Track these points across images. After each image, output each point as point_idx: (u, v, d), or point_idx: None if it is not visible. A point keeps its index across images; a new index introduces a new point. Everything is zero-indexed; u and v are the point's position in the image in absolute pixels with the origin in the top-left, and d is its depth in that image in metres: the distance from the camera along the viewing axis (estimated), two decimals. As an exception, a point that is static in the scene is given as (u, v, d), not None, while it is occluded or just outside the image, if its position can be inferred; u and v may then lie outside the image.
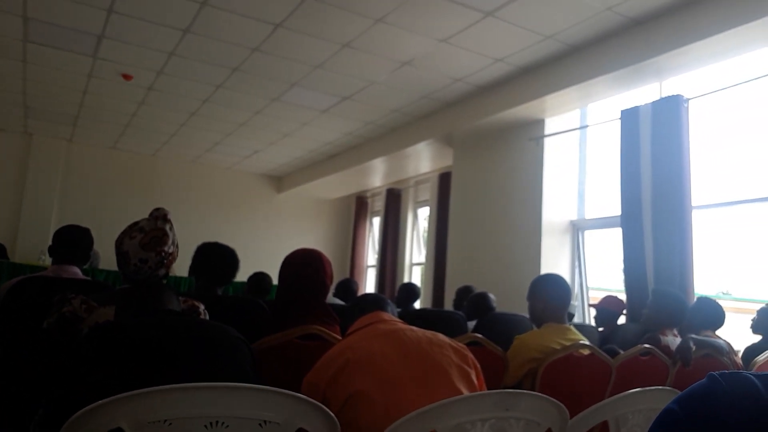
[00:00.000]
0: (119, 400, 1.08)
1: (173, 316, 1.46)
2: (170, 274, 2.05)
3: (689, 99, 4.58)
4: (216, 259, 2.73)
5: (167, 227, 1.81)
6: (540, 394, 1.42)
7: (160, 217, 1.81)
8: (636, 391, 1.57)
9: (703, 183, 4.66)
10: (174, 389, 1.12)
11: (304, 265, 2.25)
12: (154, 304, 1.53)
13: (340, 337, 1.99)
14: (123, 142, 9.01)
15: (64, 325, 1.63)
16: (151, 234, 1.74)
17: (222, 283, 2.73)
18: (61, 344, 1.60)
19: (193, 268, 2.69)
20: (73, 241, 2.69)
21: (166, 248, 1.78)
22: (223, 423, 1.15)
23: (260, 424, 1.18)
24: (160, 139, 8.67)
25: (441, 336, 1.72)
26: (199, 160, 9.81)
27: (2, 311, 2.46)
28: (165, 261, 1.80)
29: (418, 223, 9.40)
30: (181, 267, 2.65)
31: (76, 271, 2.63)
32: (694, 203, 4.47)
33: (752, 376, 0.60)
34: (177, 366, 1.30)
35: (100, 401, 1.06)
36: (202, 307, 1.94)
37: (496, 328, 3.22)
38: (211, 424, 1.14)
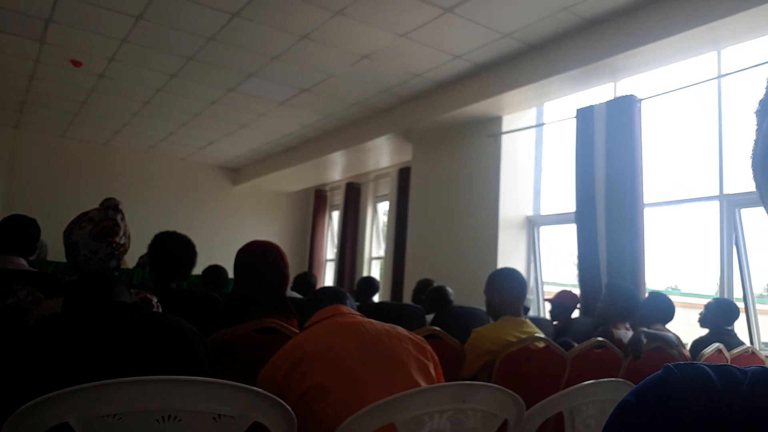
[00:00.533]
0: (65, 394, 1.03)
1: (123, 309, 1.41)
2: (122, 266, 1.98)
3: (642, 99, 4.71)
4: (174, 250, 2.64)
5: (118, 217, 1.75)
6: (497, 386, 1.43)
7: (111, 207, 1.75)
8: (589, 383, 1.60)
9: (654, 181, 4.80)
10: (123, 383, 1.08)
11: (263, 258, 2.21)
12: (103, 296, 1.48)
13: (297, 331, 1.97)
14: (73, 130, 8.71)
15: (9, 317, 1.56)
16: (101, 224, 1.68)
17: (179, 276, 2.65)
18: (5, 337, 1.53)
19: (149, 258, 2.61)
20: (18, 232, 2.59)
21: (117, 239, 1.73)
22: (175, 417, 1.12)
23: (214, 418, 1.16)
24: (113, 127, 8.41)
25: (400, 329, 1.72)
26: (153, 150, 9.57)
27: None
28: (116, 252, 1.74)
29: (378, 217, 9.40)
30: (133, 258, 2.57)
31: (22, 262, 2.53)
32: (646, 201, 4.60)
33: (706, 367, 0.62)
34: (126, 360, 1.26)
35: (44, 396, 1.02)
36: (155, 300, 1.89)
37: (454, 321, 3.25)
38: (163, 418, 1.11)
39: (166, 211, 9.51)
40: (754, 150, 0.67)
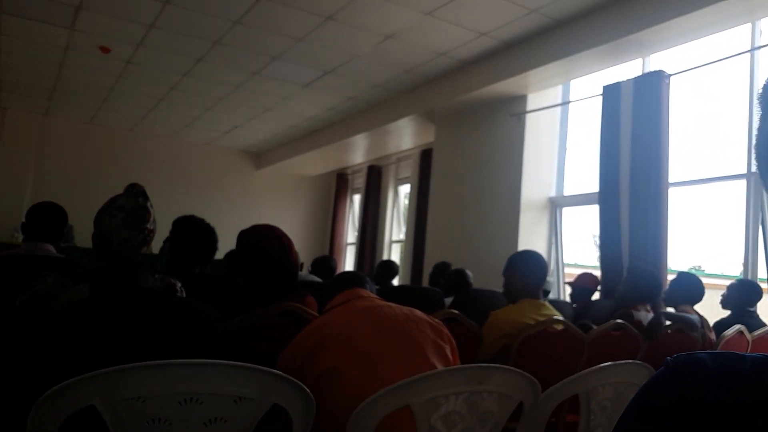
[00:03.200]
0: (92, 378, 1.08)
1: (147, 295, 1.45)
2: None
3: (671, 75, 4.59)
4: (196, 235, 2.68)
5: (148, 204, 1.78)
6: (512, 368, 1.45)
7: (139, 194, 1.77)
8: (606, 365, 1.61)
9: (680, 160, 4.71)
10: (147, 366, 1.12)
11: (258, 242, 2.19)
12: (128, 281, 1.52)
13: (316, 314, 2.00)
14: (100, 116, 8.85)
15: (37, 303, 1.61)
16: (133, 212, 1.71)
17: (201, 261, 2.70)
18: (33, 322, 1.59)
19: (171, 244, 2.66)
20: (46, 219, 2.65)
21: (148, 225, 1.76)
22: (197, 399, 1.15)
23: (235, 401, 1.19)
24: (139, 113, 8.53)
25: (417, 312, 1.74)
26: (178, 135, 9.68)
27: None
28: (147, 239, 1.78)
29: (399, 200, 9.40)
30: (156, 243, 2.62)
31: (50, 249, 2.60)
32: (671, 180, 4.53)
33: (739, 354, 0.63)
34: (150, 345, 1.30)
35: (71, 379, 1.06)
36: (179, 284, 1.93)
37: (473, 304, 3.26)
38: (185, 401, 1.15)
39: (189, 195, 9.63)
40: (758, 139, 0.65)
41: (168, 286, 1.85)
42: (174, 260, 2.62)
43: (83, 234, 7.47)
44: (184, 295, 1.91)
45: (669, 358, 0.63)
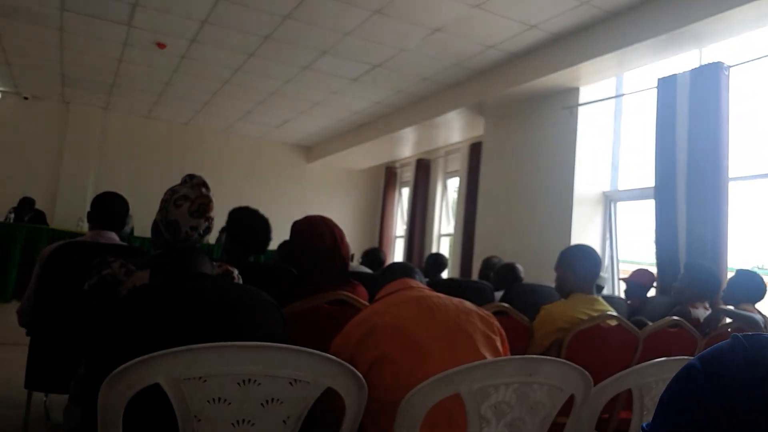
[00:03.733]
0: (157, 358, 1.13)
1: (208, 280, 1.51)
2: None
3: (730, 67, 4.43)
4: (251, 225, 2.75)
5: (210, 194, 1.84)
6: (563, 360, 1.44)
7: (201, 184, 1.83)
8: (660, 361, 1.58)
9: (742, 154, 4.53)
10: (209, 348, 1.16)
11: (310, 233, 2.22)
12: (188, 267, 1.58)
13: (367, 303, 2.03)
14: (157, 110, 9.14)
15: (104, 287, 1.69)
16: (198, 201, 1.77)
17: (256, 250, 2.76)
18: (99, 306, 1.67)
19: (227, 234, 2.74)
20: (110, 208, 2.76)
21: (210, 214, 1.82)
22: (255, 381, 1.19)
23: (290, 383, 1.23)
24: (193, 107, 8.76)
25: (467, 303, 1.74)
26: (231, 129, 9.90)
27: (44, 274, 2.56)
28: (211, 227, 1.84)
29: (448, 193, 9.37)
30: (213, 234, 2.70)
31: (114, 237, 2.71)
32: (731, 175, 4.37)
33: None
34: (211, 327, 1.35)
35: (138, 358, 1.12)
36: (236, 272, 1.98)
37: (523, 298, 3.23)
38: (243, 381, 1.19)
39: (242, 188, 9.85)
40: None
41: (225, 273, 1.90)
42: (229, 249, 2.69)
43: (142, 224, 7.77)
44: (241, 281, 1.96)
45: (737, 334, 0.62)
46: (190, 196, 1.76)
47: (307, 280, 2.17)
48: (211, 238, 7.17)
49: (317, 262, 2.19)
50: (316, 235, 2.20)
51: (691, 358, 1.67)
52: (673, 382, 0.65)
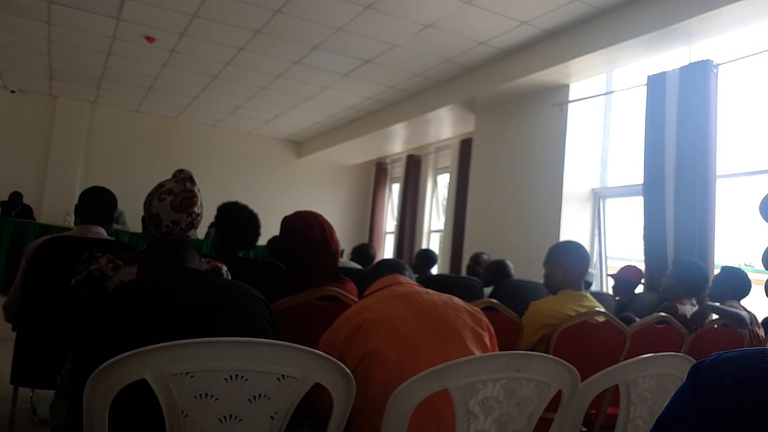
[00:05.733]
0: (143, 353, 1.12)
1: (195, 275, 1.50)
2: (191, 237, 2.08)
3: (719, 64, 4.46)
4: (239, 220, 2.74)
5: (195, 189, 1.84)
6: (551, 356, 1.45)
7: (187, 178, 1.83)
8: (647, 356, 1.59)
9: (729, 151, 4.56)
10: (196, 343, 1.16)
11: (300, 228, 2.21)
12: (175, 262, 1.57)
13: (356, 299, 2.03)
14: (146, 104, 9.08)
15: (92, 282, 1.68)
16: (181, 196, 1.76)
17: (245, 245, 2.76)
18: (87, 301, 1.66)
19: (216, 229, 2.72)
20: (98, 202, 2.74)
21: (195, 209, 1.81)
22: (242, 377, 1.19)
23: (278, 379, 1.22)
24: (183, 102, 8.71)
25: (456, 299, 1.75)
26: (221, 123, 9.85)
27: (31, 269, 2.54)
28: (194, 222, 1.83)
29: (438, 190, 9.38)
30: (202, 229, 2.69)
31: (101, 232, 2.69)
32: (719, 172, 4.40)
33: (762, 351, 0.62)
34: (198, 322, 1.34)
35: (125, 353, 1.11)
36: (224, 268, 1.97)
37: (513, 294, 3.24)
38: (231, 377, 1.18)
39: (232, 183, 9.83)
40: None
41: (214, 269, 1.90)
42: (218, 245, 2.68)
43: (129, 218, 7.72)
44: (230, 278, 1.96)
45: (692, 366, 0.63)
46: (174, 190, 1.75)
47: (296, 276, 2.17)
48: (200, 233, 7.15)
49: (307, 257, 2.18)
50: (305, 230, 2.20)
51: (679, 354, 1.68)
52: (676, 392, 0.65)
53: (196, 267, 1.56)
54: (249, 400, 1.21)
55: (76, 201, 2.83)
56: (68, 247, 2.51)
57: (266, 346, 1.22)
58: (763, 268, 3.17)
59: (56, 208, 8.58)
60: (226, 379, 1.18)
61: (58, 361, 1.93)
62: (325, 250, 2.19)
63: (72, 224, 6.53)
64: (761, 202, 3.00)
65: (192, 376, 1.15)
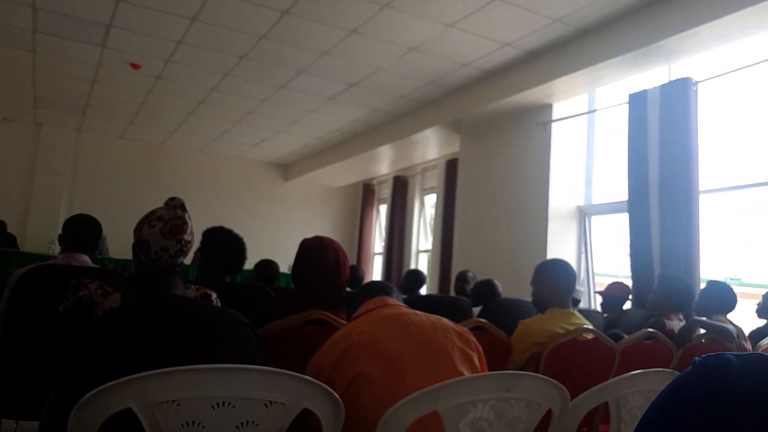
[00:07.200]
0: (128, 382, 1.11)
1: (180, 301, 1.49)
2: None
3: (698, 82, 4.55)
4: (225, 245, 2.73)
5: (186, 216, 1.84)
6: (540, 375, 1.45)
7: (178, 206, 1.83)
8: (636, 373, 1.59)
9: (711, 167, 4.63)
10: (182, 371, 1.14)
11: (314, 252, 2.25)
12: (159, 289, 1.56)
13: (345, 322, 2.02)
14: (131, 131, 9.06)
15: (80, 309, 1.66)
16: (171, 223, 1.76)
17: (231, 271, 2.74)
18: (75, 327, 1.64)
19: (201, 254, 2.71)
20: (82, 230, 2.72)
21: (185, 236, 1.81)
22: (229, 404, 1.18)
23: (266, 405, 1.21)
24: (169, 128, 8.70)
25: (444, 320, 1.74)
26: (207, 148, 9.85)
27: (15, 298, 2.50)
28: (184, 249, 1.83)
29: (425, 210, 9.41)
30: (189, 255, 2.66)
31: (86, 259, 2.67)
32: (701, 188, 4.46)
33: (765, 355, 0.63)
34: (184, 349, 1.33)
35: (110, 383, 1.09)
36: (214, 295, 1.96)
37: (501, 313, 3.24)
38: (218, 404, 1.17)
39: (219, 207, 9.77)
40: None
41: (204, 296, 1.88)
42: (204, 270, 2.66)
43: (115, 245, 7.64)
44: (219, 304, 1.94)
45: (697, 357, 0.63)
46: (165, 217, 1.75)
47: (299, 298, 2.16)
48: (187, 259, 7.10)
49: (314, 281, 2.20)
50: (319, 254, 2.21)
51: (668, 369, 1.69)
52: (667, 388, 0.65)
53: (180, 293, 1.55)
54: (237, 427, 1.19)
55: (60, 229, 2.80)
56: (53, 275, 2.48)
57: (254, 373, 1.21)
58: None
59: (40, 236, 8.48)
60: (213, 407, 1.17)
61: (43, 392, 1.90)
62: (334, 277, 2.20)
63: (56, 252, 6.46)
64: None
65: (178, 405, 1.14)
